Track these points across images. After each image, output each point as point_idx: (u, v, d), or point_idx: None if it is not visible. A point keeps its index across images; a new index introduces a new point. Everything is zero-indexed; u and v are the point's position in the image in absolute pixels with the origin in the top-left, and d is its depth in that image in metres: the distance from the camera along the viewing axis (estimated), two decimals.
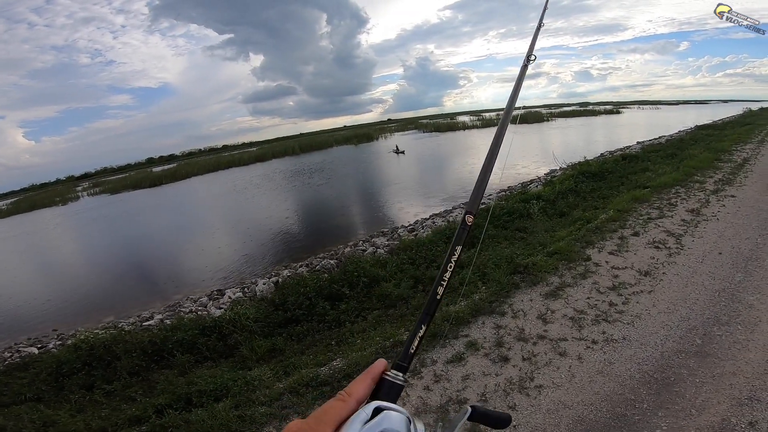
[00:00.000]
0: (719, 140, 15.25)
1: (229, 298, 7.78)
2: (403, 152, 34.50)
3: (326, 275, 6.68)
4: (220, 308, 7.26)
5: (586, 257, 5.08)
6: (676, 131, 22.53)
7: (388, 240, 9.24)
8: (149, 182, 39.49)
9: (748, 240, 5.29)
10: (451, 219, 9.59)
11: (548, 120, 54.61)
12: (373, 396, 0.53)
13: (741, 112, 33.93)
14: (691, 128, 22.89)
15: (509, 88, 0.92)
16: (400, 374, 0.56)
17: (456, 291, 4.80)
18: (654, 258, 4.94)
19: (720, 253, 4.93)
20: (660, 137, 20.48)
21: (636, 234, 5.80)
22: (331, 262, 8.17)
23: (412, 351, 0.60)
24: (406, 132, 65.97)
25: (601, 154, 17.36)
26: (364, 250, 8.63)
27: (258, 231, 13.96)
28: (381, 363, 0.56)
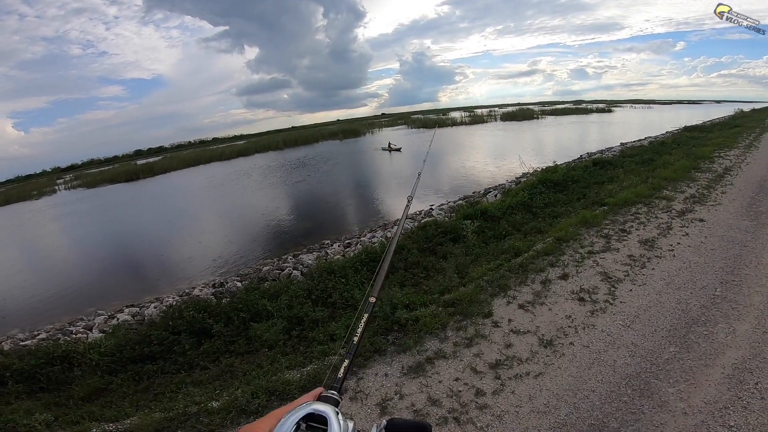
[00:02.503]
0: (702, 144, 14.02)
1: (117, 320, 6.81)
2: (399, 149, 29.34)
3: (209, 304, 5.67)
4: (104, 331, 6.35)
5: (488, 312, 3.98)
6: (663, 132, 21.37)
7: (316, 259, 8.19)
8: (125, 177, 38.38)
9: (703, 291, 4.07)
10: (389, 235, 8.53)
11: (538, 117, 53.02)
12: None
13: (732, 114, 32.82)
14: (678, 129, 21.68)
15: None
16: (334, 392, 0.70)
17: (305, 354, 3.78)
18: (570, 317, 3.82)
19: (659, 312, 3.80)
20: (645, 138, 19.32)
21: (564, 276, 4.66)
22: (239, 284, 7.14)
23: (340, 376, 0.76)
24: (396, 128, 64.49)
25: (580, 156, 16.24)
26: (282, 270, 7.60)
27: (212, 236, 13.42)
28: (317, 390, 0.70)
